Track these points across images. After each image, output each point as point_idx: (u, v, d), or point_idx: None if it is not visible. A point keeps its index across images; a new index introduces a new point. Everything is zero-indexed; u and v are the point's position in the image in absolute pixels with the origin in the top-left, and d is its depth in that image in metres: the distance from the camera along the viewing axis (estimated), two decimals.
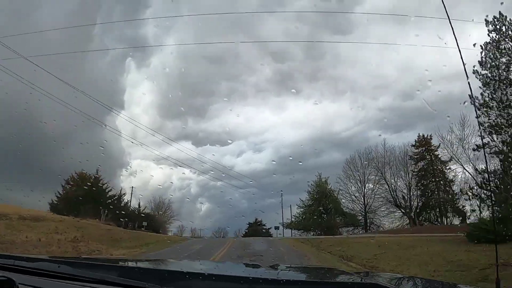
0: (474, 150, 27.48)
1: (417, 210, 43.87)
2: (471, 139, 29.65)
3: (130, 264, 2.56)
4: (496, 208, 19.70)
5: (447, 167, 44.41)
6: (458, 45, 3.21)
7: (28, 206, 22.19)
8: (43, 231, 17.61)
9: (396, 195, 43.90)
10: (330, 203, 44.99)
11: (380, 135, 46.57)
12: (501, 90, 22.00)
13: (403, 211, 43.93)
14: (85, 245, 15.98)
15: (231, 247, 17.72)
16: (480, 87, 22.39)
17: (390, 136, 45.40)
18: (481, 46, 22.22)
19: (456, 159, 33.08)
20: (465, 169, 32.65)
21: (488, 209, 25.75)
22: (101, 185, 31.61)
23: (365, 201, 47.05)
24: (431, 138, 45.32)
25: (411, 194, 45.73)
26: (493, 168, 23.58)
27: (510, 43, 22.09)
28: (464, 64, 3.35)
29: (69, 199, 30.66)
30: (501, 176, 22.41)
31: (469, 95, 14.86)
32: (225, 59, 54.01)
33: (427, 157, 46.64)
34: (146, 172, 50.58)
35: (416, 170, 46.20)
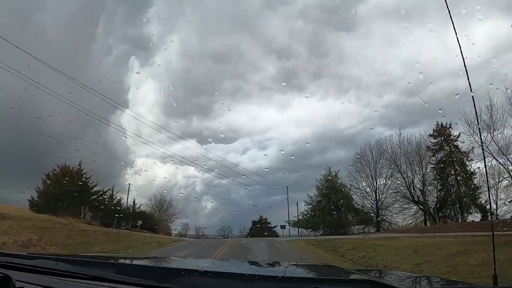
0: None
1: (437, 206, 39.71)
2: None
3: (128, 261, 2.51)
4: None
5: (469, 159, 40.50)
6: (458, 40, 2.95)
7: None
8: None
9: (414, 189, 39.83)
10: (340, 199, 40.99)
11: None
12: None
13: (421, 207, 39.87)
14: (35, 250, 12.39)
15: (224, 255, 13.91)
16: None
17: (395, 132, 41.29)
18: None
19: (485, 148, 29.34)
20: (496, 159, 28.97)
21: None
22: (84, 179, 27.91)
23: (377, 197, 43.18)
24: (450, 127, 41.36)
25: (429, 188, 41.83)
26: None
27: None
28: (463, 59, 2.96)
29: (48, 195, 27.02)
30: None
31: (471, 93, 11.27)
32: (230, 57, 54.51)
33: (446, 148, 42.54)
34: (150, 170, 49.68)
35: (434, 162, 42.14)
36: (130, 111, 44.50)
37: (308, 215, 42.56)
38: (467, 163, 40.88)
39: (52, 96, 20.10)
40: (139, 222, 41.77)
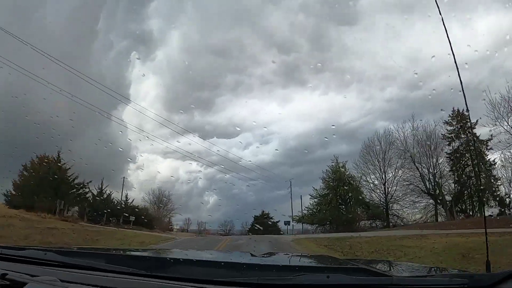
0: None
1: (455, 199, 36.45)
2: None
3: (118, 252, 2.47)
4: None
5: (488, 148, 37.21)
6: (448, 37, 2.89)
7: None
8: None
9: (430, 181, 36.58)
10: (349, 192, 37.66)
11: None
12: None
13: (436, 200, 36.63)
14: None
15: None
16: None
17: (397, 126, 39.88)
18: None
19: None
20: None
21: None
22: (64, 168, 24.80)
23: (386, 189, 39.97)
24: (468, 113, 38.02)
25: (441, 180, 38.56)
26: None
27: None
28: (453, 55, 2.76)
29: (23, 188, 23.94)
30: None
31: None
32: (231, 51, 54.12)
33: (463, 136, 39.14)
34: (152, 165, 49.74)
35: (450, 151, 38.84)
36: (132, 106, 42.54)
37: (314, 210, 39.34)
38: (486, 152, 37.69)
39: (55, 92, 19.56)
40: (132, 218, 38.83)
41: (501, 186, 36.52)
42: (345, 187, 37.42)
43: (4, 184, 24.87)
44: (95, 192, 37.24)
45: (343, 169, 38.74)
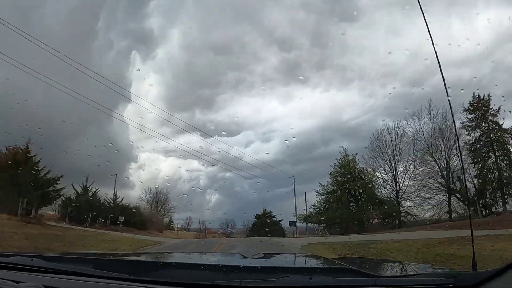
0: None
1: (478, 194, 32.79)
2: None
3: (105, 257, 2.38)
4: None
5: None
6: (431, 39, 3.02)
7: None
8: None
9: (451, 174, 32.97)
10: (360, 188, 33.98)
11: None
12: None
13: (458, 196, 33.02)
14: None
15: None
16: None
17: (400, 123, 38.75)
18: None
19: None
20: None
21: None
22: (34, 161, 21.28)
23: (397, 185, 36.33)
24: (489, 99, 34.34)
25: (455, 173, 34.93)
26: None
27: None
28: (437, 58, 3.09)
29: None
30: None
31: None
32: (232, 49, 54.67)
33: (483, 125, 35.45)
34: (154, 164, 49.86)
35: (470, 142, 35.15)
36: (133, 105, 41.94)
37: (321, 208, 35.71)
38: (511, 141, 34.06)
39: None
40: (120, 219, 35.41)
41: None
42: (355, 183, 33.74)
43: None
44: (79, 190, 33.97)
45: (353, 163, 35.04)
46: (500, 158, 34.32)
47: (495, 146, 34.64)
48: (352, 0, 40.61)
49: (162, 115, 46.12)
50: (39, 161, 21.26)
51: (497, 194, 34.39)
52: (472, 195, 33.25)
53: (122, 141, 40.18)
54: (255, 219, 42.04)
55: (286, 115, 57.00)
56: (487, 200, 34.73)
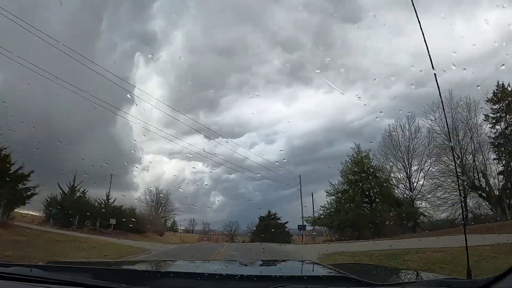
0: None
1: (506, 193, 29.56)
2: None
3: (103, 266, 2.48)
4: None
5: None
6: (425, 42, 2.93)
7: None
8: None
9: (477, 172, 29.82)
10: (374, 187, 30.76)
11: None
12: None
13: (484, 195, 29.82)
14: None
15: None
16: None
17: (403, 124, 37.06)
18: None
19: None
20: None
21: None
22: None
23: (411, 184, 33.15)
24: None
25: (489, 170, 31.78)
26: None
27: None
28: (431, 60, 3.00)
29: None
30: None
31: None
32: (235, 51, 55.91)
33: (508, 117, 32.21)
34: (157, 166, 50.53)
35: (494, 135, 31.95)
36: (136, 107, 39.83)
37: (332, 210, 32.55)
38: None
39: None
40: (112, 221, 32.44)
41: None
42: (369, 181, 30.54)
43: None
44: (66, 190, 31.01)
45: (367, 159, 31.79)
46: None
47: None
48: (356, 0, 39.88)
49: (166, 117, 44.94)
50: (9, 154, 18.27)
51: None
52: (497, 194, 30.08)
53: (125, 143, 40.03)
54: (259, 221, 39.24)
55: (290, 116, 57.24)
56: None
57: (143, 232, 35.64)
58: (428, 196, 32.44)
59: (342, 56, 47.48)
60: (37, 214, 31.87)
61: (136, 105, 40.01)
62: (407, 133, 33.89)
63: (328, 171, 44.96)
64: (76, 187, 31.50)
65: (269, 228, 37.68)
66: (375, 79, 44.90)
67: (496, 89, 31.98)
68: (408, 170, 34.09)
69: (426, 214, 32.54)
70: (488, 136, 31.95)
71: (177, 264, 2.75)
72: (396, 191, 32.83)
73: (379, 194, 31.02)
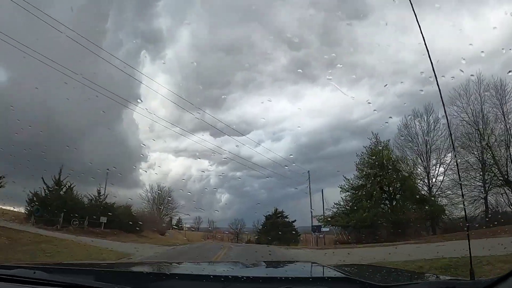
0: None
1: None
2: None
3: (105, 268, 2.48)
4: None
5: None
6: (425, 44, 3.13)
7: None
8: None
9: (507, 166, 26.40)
10: (395, 181, 27.32)
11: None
12: None
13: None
14: None
15: None
16: None
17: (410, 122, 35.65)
18: None
19: None
20: None
21: None
22: None
23: (429, 180, 29.76)
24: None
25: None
26: None
27: None
28: (431, 62, 3.11)
29: None
30: None
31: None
32: (241, 48, 53.29)
33: None
34: (164, 164, 49.80)
35: None
36: (142, 106, 42.38)
37: (347, 207, 29.18)
38: None
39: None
40: (103, 219, 29.38)
41: None
42: (390, 175, 27.11)
43: None
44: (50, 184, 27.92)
45: (386, 151, 28.27)
46: None
47: None
48: None
49: (172, 114, 45.35)
50: None
51: None
52: None
53: (131, 141, 39.67)
54: (266, 220, 36.34)
55: (296, 114, 57.89)
56: None
57: (139, 231, 32.59)
58: (449, 192, 29.20)
59: (348, 54, 47.01)
60: (22, 211, 29.21)
61: (141, 101, 41.03)
62: (425, 125, 30.68)
63: (333, 169, 45.15)
64: (62, 181, 28.42)
65: (276, 227, 35.11)
66: (381, 77, 42.25)
67: None
68: (427, 164, 30.82)
69: (447, 212, 29.23)
70: None
71: (182, 266, 2.70)
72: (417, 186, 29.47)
73: (401, 190, 27.54)
